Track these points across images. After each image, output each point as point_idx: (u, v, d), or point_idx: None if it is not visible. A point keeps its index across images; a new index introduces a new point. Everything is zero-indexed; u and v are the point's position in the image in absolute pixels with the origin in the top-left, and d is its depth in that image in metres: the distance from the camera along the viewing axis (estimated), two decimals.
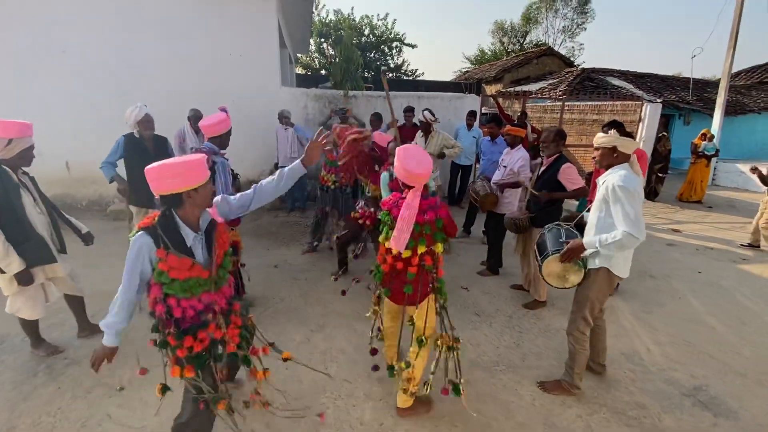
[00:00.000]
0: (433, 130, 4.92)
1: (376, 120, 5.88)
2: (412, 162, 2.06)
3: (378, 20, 17.44)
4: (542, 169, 3.52)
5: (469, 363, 2.92)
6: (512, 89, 13.77)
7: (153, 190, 1.61)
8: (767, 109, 13.89)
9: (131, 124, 3.61)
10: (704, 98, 13.38)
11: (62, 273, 2.88)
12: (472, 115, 6.44)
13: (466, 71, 22.07)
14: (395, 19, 22.07)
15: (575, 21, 25.79)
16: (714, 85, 14.44)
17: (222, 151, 3.10)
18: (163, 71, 6.13)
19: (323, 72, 16.57)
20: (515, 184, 4.02)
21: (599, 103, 9.44)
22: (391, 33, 17.13)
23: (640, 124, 8.09)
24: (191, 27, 6.09)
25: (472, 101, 7.08)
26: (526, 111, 7.33)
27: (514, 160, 4.04)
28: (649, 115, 7.93)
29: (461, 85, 15.00)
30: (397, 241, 2.06)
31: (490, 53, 26.57)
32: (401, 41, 17.16)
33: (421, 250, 2.09)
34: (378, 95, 6.97)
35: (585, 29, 26.22)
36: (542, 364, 2.96)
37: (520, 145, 4.14)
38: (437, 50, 57.11)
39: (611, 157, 2.35)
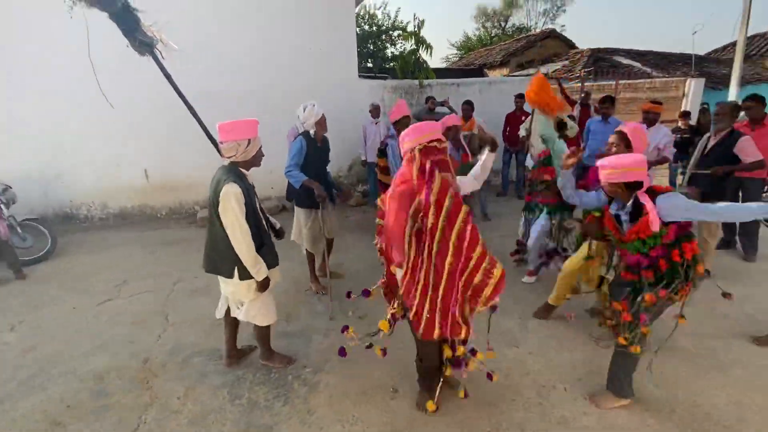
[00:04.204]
0: None
1: (468, 107, 5.90)
2: None
3: (375, 9, 17.20)
4: (712, 144, 3.66)
5: None
6: (525, 72, 13.99)
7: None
8: (750, 83, 14.87)
9: (310, 123, 3.44)
10: (704, 73, 14.10)
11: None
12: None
13: (461, 57, 22.20)
14: (399, 8, 21.82)
15: (556, 3, 26.39)
16: (708, 60, 15.25)
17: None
18: (246, 70, 5.86)
19: None
20: (663, 160, 4.16)
21: (634, 81, 9.78)
22: (394, 21, 16.92)
23: (684, 100, 8.48)
24: (270, 23, 5.86)
25: (520, 84, 7.19)
26: (590, 92, 7.51)
27: (659, 137, 4.17)
28: (692, 90, 8.32)
29: (464, 72, 15.10)
30: None
31: (475, 39, 26.77)
32: (404, 29, 16.99)
33: None
34: (452, 83, 6.95)
35: (565, 11, 26.91)
36: None
37: (659, 123, 4.27)
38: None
39: None
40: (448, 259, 1.92)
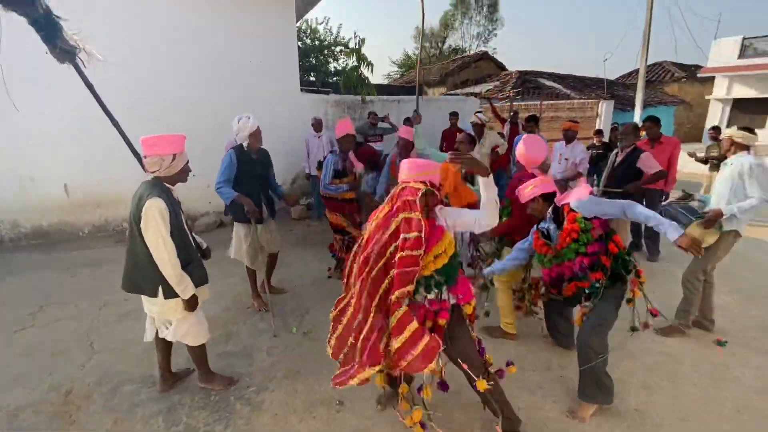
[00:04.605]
0: (485, 130, 5.34)
1: (410, 123, 6.15)
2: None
3: (318, 24, 17.37)
4: (619, 160, 4.15)
5: None
6: (460, 91, 14.83)
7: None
8: (651, 105, 16.99)
9: (243, 136, 3.40)
10: (614, 95, 15.84)
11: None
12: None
13: (402, 74, 22.94)
14: (341, 24, 22.05)
15: (487, 28, 28.30)
16: (617, 84, 17.16)
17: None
18: (180, 81, 5.63)
19: None
20: (579, 175, 4.62)
21: (556, 102, 10.74)
22: (336, 37, 17.16)
23: (598, 119, 9.47)
24: (209, 35, 5.69)
25: (455, 103, 7.69)
26: (517, 111, 8.13)
27: (576, 153, 4.64)
28: (604, 111, 9.34)
29: (405, 89, 15.69)
30: None
31: (414, 57, 27.83)
32: (345, 45, 17.27)
33: None
34: (393, 99, 7.18)
35: (496, 35, 28.94)
36: None
37: (577, 140, 4.76)
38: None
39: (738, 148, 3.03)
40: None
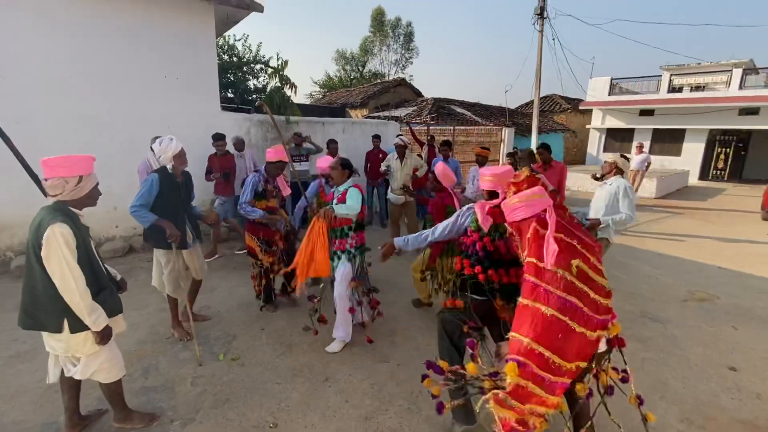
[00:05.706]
0: (407, 152, 5.70)
1: (334, 145, 6.33)
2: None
3: (236, 40, 17.00)
4: None
5: None
6: (381, 114, 15.49)
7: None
8: (544, 131, 19.42)
9: (167, 157, 3.25)
10: (515, 123, 17.76)
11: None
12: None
13: (324, 95, 23.21)
14: (261, 43, 21.63)
15: (404, 55, 30.00)
16: (517, 112, 19.28)
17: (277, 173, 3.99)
18: (81, 94, 5.13)
19: None
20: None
21: (467, 127, 11.76)
22: (256, 55, 16.89)
23: (502, 144, 10.58)
24: (117, 45, 5.30)
25: (377, 126, 8.15)
26: (434, 135, 8.77)
27: None
28: (507, 137, 10.47)
29: (329, 110, 15.98)
30: None
31: (336, 79, 28.41)
32: (266, 64, 17.07)
33: None
34: (317, 121, 7.31)
35: (412, 63, 30.77)
36: None
37: (488, 164, 5.34)
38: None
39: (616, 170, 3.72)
40: None
